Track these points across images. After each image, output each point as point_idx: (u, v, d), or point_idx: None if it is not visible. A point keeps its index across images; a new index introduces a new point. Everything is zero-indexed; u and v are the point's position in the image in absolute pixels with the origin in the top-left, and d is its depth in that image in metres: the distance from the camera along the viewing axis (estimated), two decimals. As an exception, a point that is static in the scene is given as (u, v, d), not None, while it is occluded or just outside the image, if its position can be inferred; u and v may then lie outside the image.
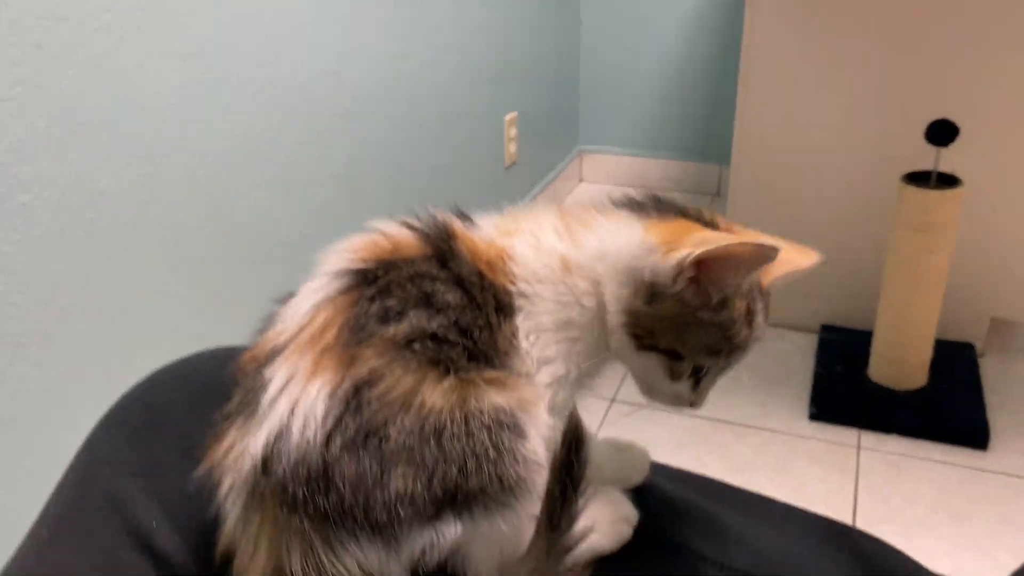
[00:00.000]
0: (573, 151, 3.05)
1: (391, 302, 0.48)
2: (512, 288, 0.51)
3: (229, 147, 1.31)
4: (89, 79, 1.05)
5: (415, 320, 0.47)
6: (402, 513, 0.45)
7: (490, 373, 0.48)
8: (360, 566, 0.46)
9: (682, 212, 0.55)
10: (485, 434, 0.46)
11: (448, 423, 0.45)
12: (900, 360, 1.78)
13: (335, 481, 0.44)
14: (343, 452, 0.45)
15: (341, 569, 0.45)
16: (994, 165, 1.79)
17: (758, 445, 1.72)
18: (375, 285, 0.49)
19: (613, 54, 2.91)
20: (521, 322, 0.51)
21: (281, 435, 0.45)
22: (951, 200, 1.60)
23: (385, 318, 0.47)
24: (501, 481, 0.46)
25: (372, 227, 0.53)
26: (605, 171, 3.09)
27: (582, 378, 0.54)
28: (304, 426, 0.45)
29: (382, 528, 0.45)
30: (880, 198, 1.83)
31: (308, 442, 0.45)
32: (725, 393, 1.85)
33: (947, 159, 1.64)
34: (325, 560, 0.45)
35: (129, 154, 1.13)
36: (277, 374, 0.47)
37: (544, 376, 0.51)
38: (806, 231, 1.96)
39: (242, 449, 0.47)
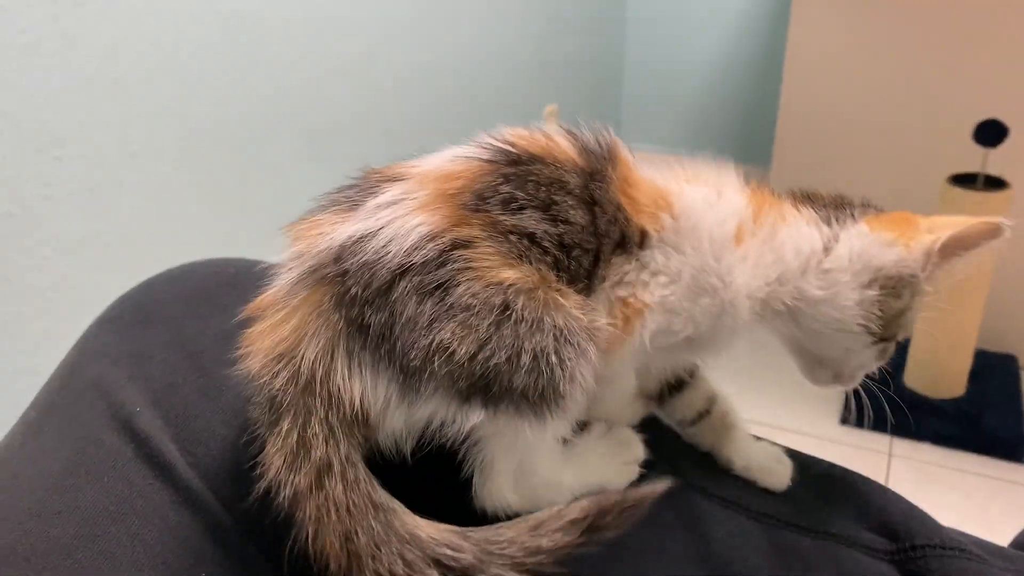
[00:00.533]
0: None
1: (519, 193, 0.48)
2: (654, 233, 0.50)
3: (262, 112, 1.31)
4: (126, 35, 1.06)
5: (527, 219, 0.47)
6: (435, 369, 0.44)
7: (573, 294, 0.48)
8: (362, 395, 0.45)
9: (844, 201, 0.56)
10: (551, 339, 0.45)
11: (520, 310, 0.45)
12: (937, 367, 1.73)
13: (390, 306, 0.44)
14: (411, 291, 0.44)
15: (344, 385, 0.45)
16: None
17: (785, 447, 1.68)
18: (515, 168, 0.49)
19: (658, 51, 2.89)
20: (649, 263, 0.50)
21: (366, 237, 0.46)
22: (998, 203, 1.55)
23: (506, 204, 0.47)
24: (545, 391, 0.45)
25: (539, 127, 0.53)
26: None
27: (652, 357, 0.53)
28: (390, 242, 0.45)
29: (408, 373, 0.44)
30: (926, 199, 1.78)
31: (387, 258, 0.45)
32: (756, 393, 1.82)
33: (995, 161, 1.59)
34: (338, 366, 0.45)
35: (163, 112, 1.14)
36: (393, 189, 0.48)
37: (651, 323, 0.50)
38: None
39: (328, 231, 0.47)
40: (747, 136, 2.82)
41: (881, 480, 1.64)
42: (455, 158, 0.49)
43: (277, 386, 0.45)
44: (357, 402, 0.45)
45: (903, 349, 1.80)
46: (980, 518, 1.50)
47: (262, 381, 0.46)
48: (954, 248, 0.51)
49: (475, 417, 0.45)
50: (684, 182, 0.52)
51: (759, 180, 0.58)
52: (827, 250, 0.52)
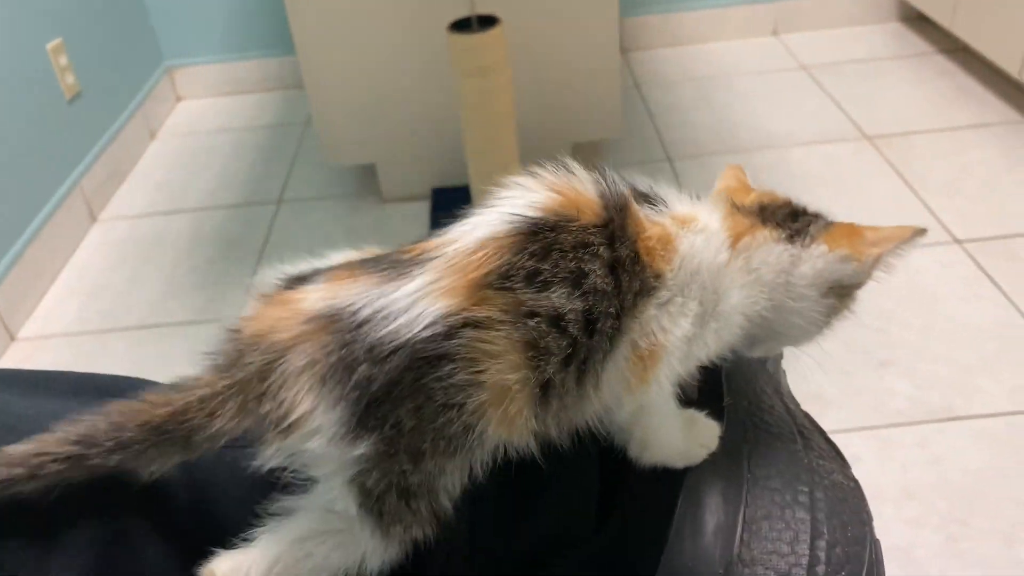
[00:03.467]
0: (159, 68, 2.78)
1: (545, 266, 0.49)
2: (668, 274, 0.53)
3: None
4: None
5: (554, 298, 0.49)
6: (383, 428, 0.48)
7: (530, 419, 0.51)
8: (302, 414, 0.48)
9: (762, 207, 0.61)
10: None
11: (467, 415, 0.48)
12: (499, 203, 1.85)
13: (385, 370, 0.47)
14: (408, 357, 0.47)
15: (292, 396, 0.48)
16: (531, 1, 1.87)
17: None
18: (540, 241, 0.49)
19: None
20: (666, 305, 0.53)
21: (388, 317, 0.47)
22: (493, 40, 1.65)
23: (530, 279, 0.48)
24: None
25: (568, 167, 0.54)
26: (203, 84, 2.87)
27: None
28: (408, 324, 0.47)
29: (360, 421, 0.48)
30: (435, 50, 1.86)
31: (399, 335, 0.47)
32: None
33: (486, 1, 1.67)
34: (303, 381, 0.48)
35: None
36: (424, 274, 0.49)
37: (667, 365, 0.54)
38: (388, 100, 1.99)
39: (355, 291, 0.49)
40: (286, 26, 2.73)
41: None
42: (480, 241, 0.50)
43: (246, 359, 0.48)
44: (290, 415, 0.47)
45: (471, 196, 1.91)
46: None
47: (238, 345, 0.49)
48: (888, 254, 0.60)
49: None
50: (678, 221, 0.55)
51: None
52: (794, 267, 0.58)
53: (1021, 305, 1.57)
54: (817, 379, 1.44)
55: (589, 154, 2.22)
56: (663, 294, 0.53)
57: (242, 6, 2.74)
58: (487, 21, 1.69)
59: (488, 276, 0.48)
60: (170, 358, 1.68)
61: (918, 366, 1.47)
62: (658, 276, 0.53)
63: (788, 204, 0.62)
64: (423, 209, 2.08)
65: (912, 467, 1.30)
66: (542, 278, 0.49)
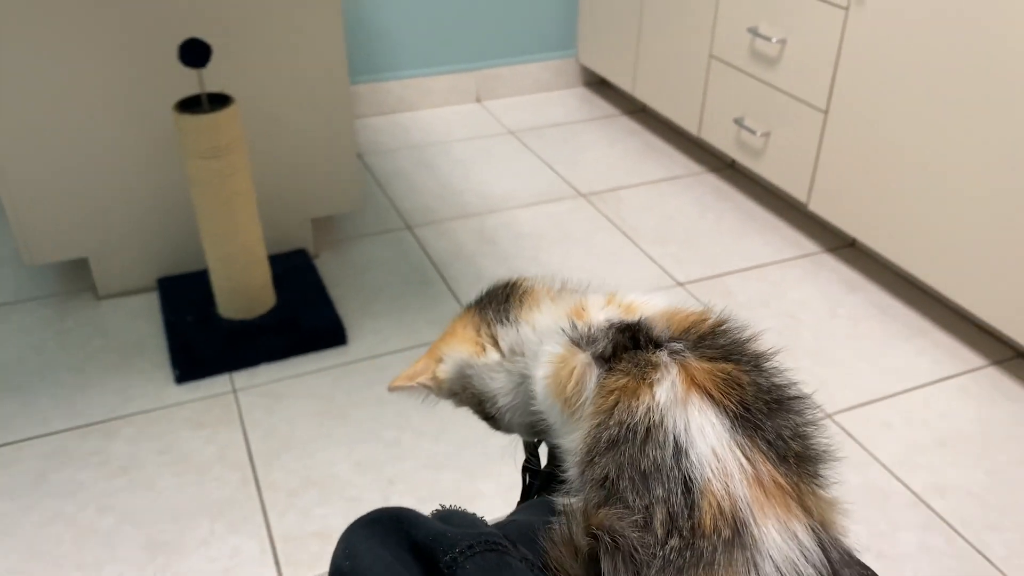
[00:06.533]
0: None
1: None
2: None
3: None
4: None
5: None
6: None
7: None
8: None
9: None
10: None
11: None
12: (242, 288, 1.74)
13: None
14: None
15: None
16: (262, 75, 1.80)
17: (134, 435, 1.53)
18: (751, 419, 0.51)
19: None
20: None
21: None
22: (228, 120, 1.55)
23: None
24: None
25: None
26: None
27: None
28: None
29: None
30: (173, 133, 1.71)
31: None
32: (75, 391, 1.61)
33: (215, 78, 1.57)
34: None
35: None
36: (769, 526, 0.48)
37: None
38: (100, 186, 1.79)
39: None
40: None
41: (236, 421, 1.60)
42: (725, 449, 0.50)
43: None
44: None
45: (207, 283, 1.76)
46: (331, 410, 1.60)
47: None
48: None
49: None
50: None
51: None
52: None
53: (742, 335, 1.79)
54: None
55: (328, 228, 2.16)
56: None
57: None
58: (218, 99, 1.59)
59: (777, 470, 0.51)
60: None
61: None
62: None
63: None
64: (149, 302, 1.88)
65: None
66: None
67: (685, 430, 0.50)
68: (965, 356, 1.75)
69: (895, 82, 1.74)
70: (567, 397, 0.56)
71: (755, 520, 0.48)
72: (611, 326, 0.58)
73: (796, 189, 2.09)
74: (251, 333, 1.74)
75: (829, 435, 0.53)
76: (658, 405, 0.51)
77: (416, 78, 2.87)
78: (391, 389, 0.74)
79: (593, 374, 0.56)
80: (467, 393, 0.72)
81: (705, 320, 0.58)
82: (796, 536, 0.48)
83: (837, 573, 0.48)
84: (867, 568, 0.60)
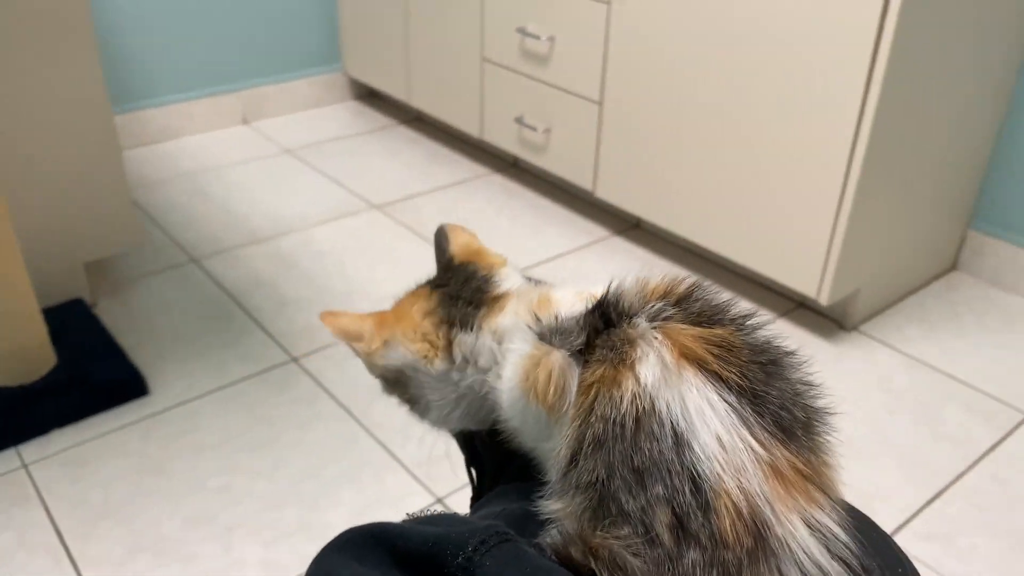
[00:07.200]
0: None
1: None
2: None
3: None
4: None
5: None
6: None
7: None
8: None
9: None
10: None
11: None
12: (17, 350, 1.54)
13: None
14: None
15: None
16: (13, 112, 1.60)
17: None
18: (755, 391, 0.46)
19: None
20: None
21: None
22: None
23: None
24: None
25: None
26: None
27: None
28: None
29: None
30: None
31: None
32: None
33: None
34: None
35: None
36: (795, 521, 0.43)
37: None
38: None
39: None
40: None
41: (36, 499, 1.42)
42: (734, 435, 0.44)
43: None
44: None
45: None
46: (145, 466, 1.45)
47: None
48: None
49: None
50: None
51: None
52: None
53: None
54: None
55: (103, 272, 1.96)
56: None
57: None
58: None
59: (788, 451, 0.46)
60: None
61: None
62: None
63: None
64: None
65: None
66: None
67: (683, 415, 0.44)
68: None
69: (659, 69, 1.87)
70: (551, 405, 0.50)
71: (777, 518, 0.43)
72: (582, 313, 0.52)
73: (581, 179, 2.18)
74: (33, 398, 1.54)
75: (823, 389, 0.49)
76: (644, 389, 0.45)
77: (176, 104, 2.68)
78: (323, 316, 0.66)
79: (574, 374, 0.49)
80: (400, 387, 0.65)
81: (680, 283, 0.51)
82: (821, 527, 0.44)
83: (862, 563, 0.44)
84: (879, 529, 0.57)
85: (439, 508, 1.39)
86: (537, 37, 2.11)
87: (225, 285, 1.96)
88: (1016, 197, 1.94)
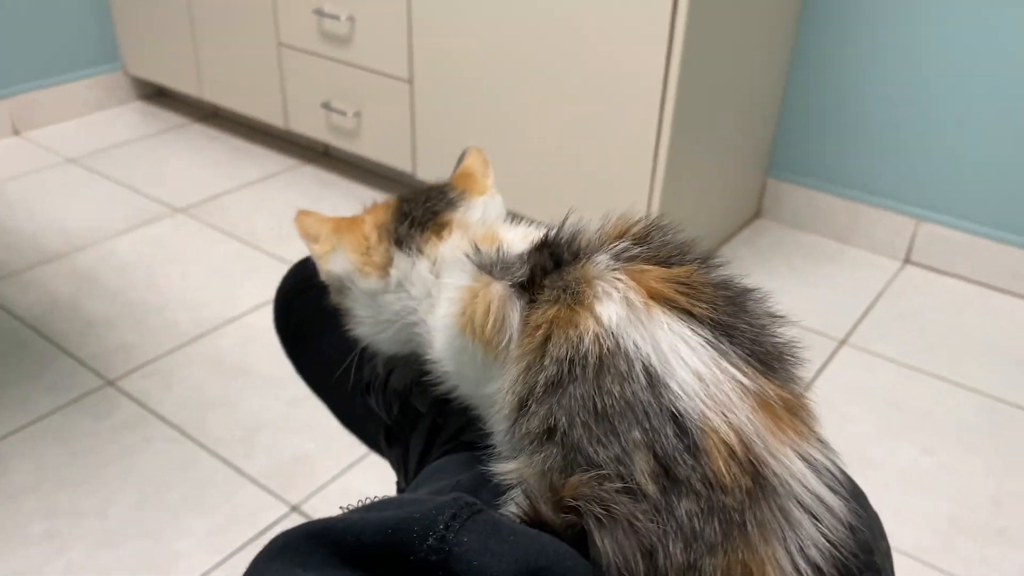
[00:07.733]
0: None
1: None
2: None
3: None
4: None
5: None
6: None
7: None
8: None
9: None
10: None
11: None
12: None
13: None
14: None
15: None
16: None
17: None
18: (729, 324, 0.43)
19: None
20: None
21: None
22: None
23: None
24: None
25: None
26: None
27: None
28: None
29: None
30: None
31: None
32: None
33: None
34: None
35: None
36: (790, 455, 0.40)
37: None
38: None
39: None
40: None
41: None
42: (716, 369, 0.41)
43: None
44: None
45: None
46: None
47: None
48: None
49: None
50: None
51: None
52: None
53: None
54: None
55: None
56: None
57: None
58: None
59: (769, 382, 0.45)
60: None
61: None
62: None
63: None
64: None
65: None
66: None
67: (655, 353, 0.40)
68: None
69: (469, 40, 1.85)
70: (488, 340, 0.45)
71: (772, 454, 0.39)
72: (526, 250, 0.48)
73: (400, 162, 2.13)
74: None
75: (788, 320, 0.47)
76: (608, 329, 0.41)
77: (-73, 117, 2.36)
78: (297, 214, 0.65)
79: (515, 307, 0.45)
80: (340, 296, 0.63)
81: (637, 222, 0.48)
82: (814, 461, 0.41)
83: (853, 492, 0.42)
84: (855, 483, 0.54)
85: (297, 518, 1.31)
86: (336, 17, 2.03)
87: (17, 312, 1.75)
88: (804, 144, 2.09)
